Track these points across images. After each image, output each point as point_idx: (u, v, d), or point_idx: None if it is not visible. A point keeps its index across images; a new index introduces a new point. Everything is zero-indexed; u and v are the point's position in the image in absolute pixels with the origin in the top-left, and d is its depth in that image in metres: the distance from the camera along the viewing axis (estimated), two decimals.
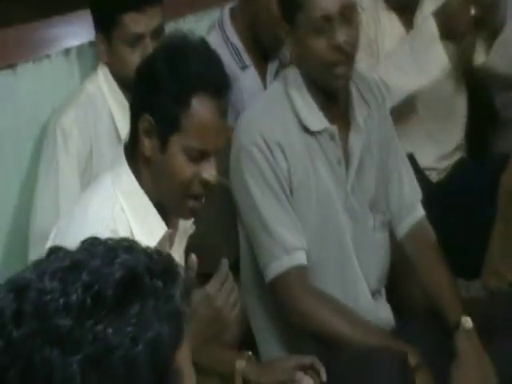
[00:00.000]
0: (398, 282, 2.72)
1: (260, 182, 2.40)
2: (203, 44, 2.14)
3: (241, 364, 2.32)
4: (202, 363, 2.23)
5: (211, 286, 2.00)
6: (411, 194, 2.66)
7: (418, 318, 2.74)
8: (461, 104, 3.30)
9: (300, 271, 2.39)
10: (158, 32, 2.60)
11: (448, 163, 3.28)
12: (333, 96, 2.46)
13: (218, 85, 2.05)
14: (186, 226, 2.19)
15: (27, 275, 0.97)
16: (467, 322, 2.49)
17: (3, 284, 0.98)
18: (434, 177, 3.20)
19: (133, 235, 2.00)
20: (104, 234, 1.90)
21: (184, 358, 1.00)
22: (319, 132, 2.46)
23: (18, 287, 0.95)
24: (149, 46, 2.55)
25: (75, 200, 2.42)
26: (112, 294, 0.93)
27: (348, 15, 2.37)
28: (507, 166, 2.81)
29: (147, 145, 2.02)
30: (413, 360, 2.36)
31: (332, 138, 2.45)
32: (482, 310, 2.62)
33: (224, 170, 2.45)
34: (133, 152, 2.08)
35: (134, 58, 2.55)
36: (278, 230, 2.39)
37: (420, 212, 2.65)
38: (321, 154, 2.47)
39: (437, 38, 2.98)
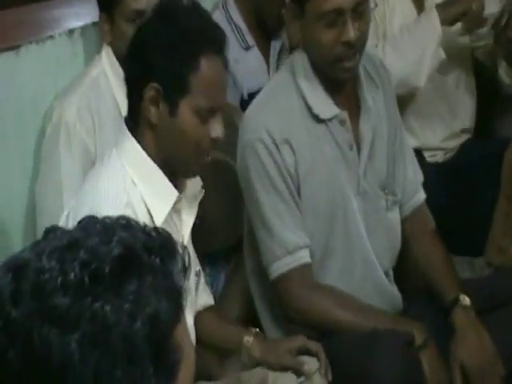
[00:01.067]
0: (400, 264, 2.72)
1: (264, 180, 2.40)
2: (196, 4, 2.14)
3: (248, 340, 2.33)
4: (210, 339, 2.40)
5: None
6: (414, 177, 2.68)
7: (421, 298, 2.73)
8: (469, 88, 3.30)
9: (302, 270, 2.40)
10: None
11: (455, 144, 3.29)
12: (341, 82, 2.46)
13: (221, 41, 2.07)
14: (196, 191, 2.20)
15: (25, 255, 0.97)
16: (465, 299, 2.50)
17: (1, 264, 0.99)
18: (440, 156, 3.20)
19: (146, 205, 2.05)
20: (119, 207, 2.00)
21: (182, 335, 1.01)
22: (329, 119, 2.46)
23: (16, 267, 0.96)
24: None
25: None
26: (109, 272, 0.94)
27: (361, 10, 2.34)
28: (511, 144, 2.86)
29: (154, 112, 2.03)
30: (419, 339, 2.38)
31: (342, 124, 2.45)
32: (486, 288, 2.62)
33: (227, 147, 2.49)
34: (134, 122, 2.09)
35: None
36: (280, 229, 2.40)
37: (422, 195, 2.67)
38: (331, 141, 2.46)
39: (439, 33, 2.97)
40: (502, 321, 2.55)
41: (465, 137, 3.33)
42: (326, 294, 2.45)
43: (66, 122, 2.60)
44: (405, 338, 2.41)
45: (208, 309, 2.42)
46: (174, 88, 2.02)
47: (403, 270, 2.78)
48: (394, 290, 2.63)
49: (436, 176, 2.78)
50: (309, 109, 2.45)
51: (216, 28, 2.13)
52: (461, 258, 2.81)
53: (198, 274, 2.31)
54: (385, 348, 2.34)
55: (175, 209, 2.11)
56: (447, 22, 3.02)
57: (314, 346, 2.35)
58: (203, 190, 2.21)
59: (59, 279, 0.93)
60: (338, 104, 2.46)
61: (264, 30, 3.11)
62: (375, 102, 2.52)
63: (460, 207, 2.91)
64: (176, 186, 2.10)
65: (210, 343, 2.39)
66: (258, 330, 2.41)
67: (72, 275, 0.93)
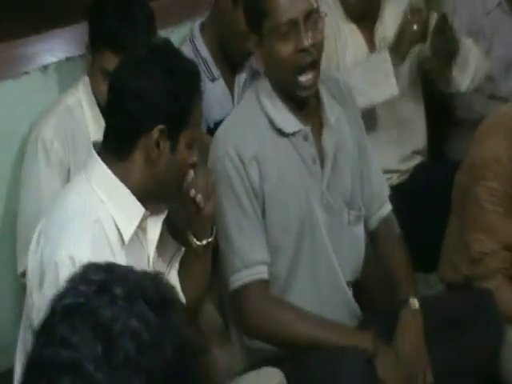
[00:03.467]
0: (360, 279, 2.72)
1: (230, 194, 2.41)
2: (171, 47, 2.22)
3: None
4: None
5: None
6: (380, 190, 2.71)
7: (380, 311, 2.78)
8: (420, 114, 3.36)
9: (260, 285, 2.41)
10: None
11: (409, 165, 3.33)
12: (303, 100, 2.48)
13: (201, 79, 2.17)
14: (160, 211, 2.22)
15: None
16: (415, 302, 2.54)
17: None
18: (395, 179, 3.23)
19: (114, 221, 2.07)
20: (88, 223, 2.03)
21: None
22: (293, 134, 2.47)
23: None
24: None
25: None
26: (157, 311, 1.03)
27: (312, 20, 2.38)
28: (461, 166, 2.83)
29: (156, 151, 2.06)
30: (370, 348, 2.39)
31: (306, 138, 2.47)
32: (438, 306, 2.66)
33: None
34: (119, 160, 2.09)
35: (104, 89, 2.49)
36: (240, 243, 2.40)
37: (388, 207, 2.70)
38: (296, 155, 2.48)
39: (391, 70, 3.03)
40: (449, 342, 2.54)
41: (418, 159, 3.36)
42: (284, 307, 2.45)
43: (42, 139, 2.63)
44: (364, 355, 2.41)
45: None
46: (178, 125, 2.08)
47: (365, 286, 2.80)
48: (352, 301, 2.63)
49: (392, 197, 2.78)
50: (273, 125, 2.46)
51: (196, 65, 2.22)
52: (416, 274, 2.77)
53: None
54: (347, 364, 2.35)
55: (141, 227, 2.12)
56: (400, 61, 3.08)
57: None
58: (166, 210, 2.22)
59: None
60: (301, 121, 2.47)
61: (229, 63, 3.11)
62: (338, 119, 2.53)
63: (414, 226, 2.89)
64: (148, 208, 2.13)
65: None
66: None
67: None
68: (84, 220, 2.04)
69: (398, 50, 3.06)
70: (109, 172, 2.08)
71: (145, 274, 1.10)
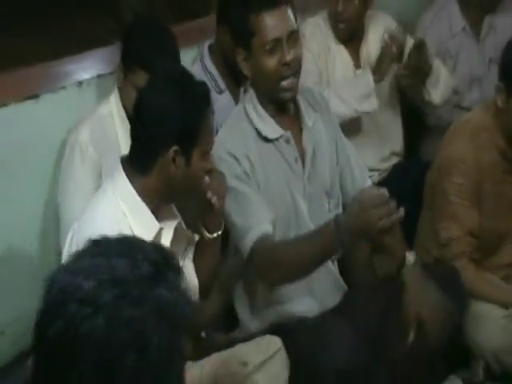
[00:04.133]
0: (345, 259, 2.73)
1: (233, 180, 2.37)
2: (187, 73, 2.20)
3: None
4: None
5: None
6: (361, 179, 2.69)
7: (363, 287, 2.77)
8: (397, 120, 3.39)
9: (266, 236, 2.33)
10: None
11: (388, 165, 3.37)
12: (283, 107, 2.46)
13: (210, 100, 2.12)
14: (172, 225, 2.19)
15: (91, 260, 1.02)
16: (410, 255, 2.48)
17: (64, 270, 1.02)
18: (376, 177, 3.25)
19: (133, 234, 1.98)
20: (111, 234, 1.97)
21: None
22: (276, 139, 2.46)
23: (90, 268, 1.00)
24: None
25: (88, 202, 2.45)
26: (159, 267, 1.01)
27: (293, 38, 2.38)
28: (431, 165, 2.86)
29: (173, 167, 2.04)
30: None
31: (287, 141, 2.47)
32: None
33: None
34: (142, 175, 2.08)
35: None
36: (248, 208, 2.36)
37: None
38: (280, 157, 2.48)
39: (372, 89, 3.07)
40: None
41: (395, 159, 3.41)
42: (280, 247, 2.35)
43: (79, 142, 2.63)
44: (348, 325, 2.42)
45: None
46: (189, 144, 2.06)
47: (350, 263, 2.79)
48: (337, 274, 2.66)
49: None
50: (259, 134, 2.45)
51: (207, 87, 2.16)
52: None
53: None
54: (333, 335, 2.38)
55: (156, 238, 2.08)
56: (381, 79, 3.13)
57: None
58: (178, 217, 2.21)
59: (135, 271, 0.99)
60: (282, 126, 2.46)
61: (234, 77, 3.08)
62: (314, 122, 2.53)
63: None
64: (159, 219, 2.10)
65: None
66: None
67: (143, 270, 0.99)
68: (107, 232, 1.98)
69: (379, 69, 3.09)
70: (130, 187, 2.07)
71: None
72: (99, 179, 2.63)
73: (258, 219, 2.36)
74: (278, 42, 2.36)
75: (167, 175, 2.07)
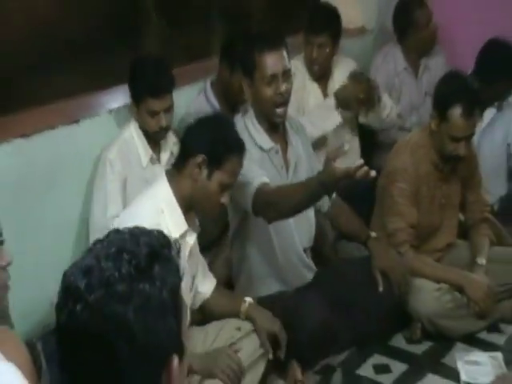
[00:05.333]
0: (316, 246, 2.73)
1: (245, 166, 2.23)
2: (226, 119, 2.23)
3: (244, 306, 2.27)
4: (221, 312, 2.28)
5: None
6: None
7: (331, 266, 2.80)
8: (355, 139, 3.36)
9: (265, 184, 2.28)
10: (169, 108, 2.60)
11: None
12: (275, 126, 2.46)
13: (244, 147, 2.12)
14: (196, 227, 2.17)
15: (88, 261, 0.93)
16: (373, 234, 2.60)
17: (73, 267, 0.94)
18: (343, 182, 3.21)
19: (168, 229, 2.00)
20: (153, 224, 1.84)
21: (181, 294, 0.98)
22: (268, 150, 2.45)
23: (86, 268, 0.92)
24: (162, 118, 2.57)
25: (123, 204, 2.47)
26: (144, 264, 0.92)
27: (286, 75, 2.38)
28: (382, 173, 2.79)
29: (197, 172, 2.04)
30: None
31: (277, 152, 2.47)
32: (364, 263, 2.62)
33: None
34: (178, 174, 2.08)
35: (152, 124, 2.59)
36: (249, 170, 2.27)
37: (333, 194, 2.61)
38: (270, 164, 2.46)
39: (334, 108, 3.00)
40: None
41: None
42: (276, 190, 2.27)
43: (109, 159, 2.60)
44: (323, 297, 2.41)
45: (214, 291, 2.32)
46: (215, 163, 2.05)
47: (319, 251, 2.80)
48: (309, 261, 2.64)
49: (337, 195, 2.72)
50: (256, 143, 2.43)
51: (242, 141, 2.13)
52: (352, 243, 2.82)
53: (193, 277, 2.22)
54: (307, 305, 2.38)
55: (182, 237, 2.08)
56: (342, 106, 3.03)
57: (280, 333, 2.24)
58: (199, 227, 2.19)
59: (116, 274, 0.90)
60: (273, 140, 2.45)
61: (230, 107, 3.03)
62: (296, 143, 2.53)
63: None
64: (187, 219, 2.09)
65: (222, 314, 2.29)
66: (250, 299, 2.31)
67: (123, 270, 0.90)
68: (148, 223, 1.94)
69: (347, 108, 3.03)
70: (169, 189, 2.06)
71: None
72: (124, 188, 2.61)
73: (256, 174, 2.30)
74: (274, 77, 2.35)
75: (192, 177, 2.06)
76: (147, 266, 0.92)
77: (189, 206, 2.10)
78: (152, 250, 0.94)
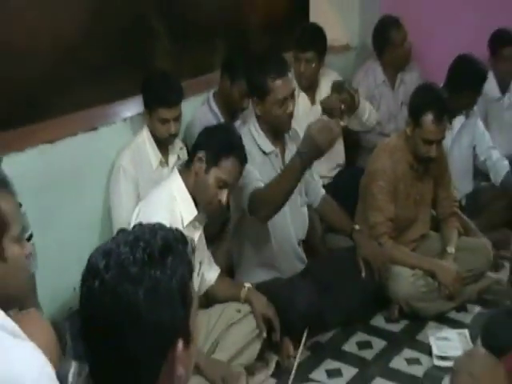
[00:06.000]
0: (307, 238, 2.73)
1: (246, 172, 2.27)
2: (227, 125, 2.26)
3: (244, 292, 2.28)
4: (224, 296, 2.29)
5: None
6: (318, 182, 2.68)
7: (320, 256, 2.81)
8: (340, 142, 3.30)
9: (256, 188, 2.27)
10: (178, 117, 2.58)
11: (334, 173, 3.31)
12: (277, 134, 2.46)
13: (243, 154, 2.11)
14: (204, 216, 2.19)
15: (109, 245, 0.94)
16: (357, 226, 2.58)
17: (96, 250, 0.95)
18: (326, 181, 3.13)
19: (180, 212, 2.07)
20: (166, 211, 2.04)
21: (192, 286, 0.97)
22: (269, 153, 2.44)
23: (105, 251, 0.92)
24: (172, 125, 2.55)
25: (137, 202, 2.42)
26: (158, 253, 0.91)
27: (293, 95, 2.39)
28: (364, 173, 2.83)
29: (198, 166, 2.08)
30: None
31: (276, 155, 2.47)
32: (346, 254, 2.62)
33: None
34: (187, 169, 2.11)
35: (162, 131, 2.57)
36: (250, 175, 2.28)
37: (323, 192, 2.68)
38: (270, 165, 2.45)
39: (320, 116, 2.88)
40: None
41: (339, 169, 3.34)
42: (265, 189, 2.26)
43: (123, 166, 2.58)
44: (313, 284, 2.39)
45: (218, 278, 2.32)
46: (212, 159, 2.08)
47: (309, 243, 2.79)
48: (302, 252, 2.64)
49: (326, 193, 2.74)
50: (259, 147, 2.41)
51: (241, 142, 2.14)
52: (338, 235, 2.80)
53: (200, 263, 2.21)
54: (298, 290, 2.38)
55: (192, 222, 2.10)
56: (327, 114, 2.93)
57: (274, 317, 2.25)
58: (206, 217, 2.19)
59: (131, 257, 0.90)
60: (274, 145, 2.44)
61: (230, 115, 2.99)
62: (292, 147, 2.48)
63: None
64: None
65: (224, 299, 2.30)
66: (249, 284, 2.32)
67: (138, 255, 0.90)
68: (164, 209, 2.03)
69: (331, 115, 2.95)
70: (181, 181, 2.10)
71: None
72: (137, 188, 2.59)
73: (254, 180, 2.30)
74: (285, 99, 2.36)
75: (194, 171, 2.08)
76: (160, 255, 0.91)
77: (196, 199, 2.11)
78: (167, 243, 0.93)
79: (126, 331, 0.89)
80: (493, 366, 1.24)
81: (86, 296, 0.92)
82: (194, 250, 0.97)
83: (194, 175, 2.10)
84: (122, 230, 0.97)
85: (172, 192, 2.09)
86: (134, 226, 0.97)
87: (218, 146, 2.08)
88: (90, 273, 0.92)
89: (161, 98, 2.55)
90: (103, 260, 0.91)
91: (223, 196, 2.09)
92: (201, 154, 2.08)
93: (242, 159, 2.13)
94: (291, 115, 2.41)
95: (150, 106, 2.61)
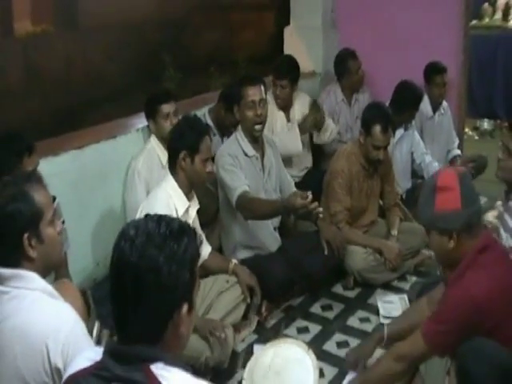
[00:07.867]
0: (283, 225, 2.70)
1: (230, 165, 2.29)
2: (196, 117, 2.12)
3: (231, 266, 2.24)
4: (215, 269, 2.23)
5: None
6: (290, 181, 2.63)
7: (291, 238, 2.70)
8: (307, 148, 3.27)
9: (246, 192, 2.27)
10: (176, 112, 2.54)
11: (303, 173, 3.24)
12: (255, 139, 2.41)
13: (206, 128, 2.05)
14: (196, 204, 2.12)
15: (139, 220, 0.94)
16: (321, 215, 2.29)
17: (127, 225, 0.94)
18: (296, 180, 3.01)
19: (175, 205, 2.01)
20: (164, 205, 1.99)
21: (197, 267, 0.96)
22: (251, 156, 2.41)
23: (136, 224, 0.92)
24: (173, 119, 2.50)
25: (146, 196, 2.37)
26: (176, 231, 0.92)
27: (262, 102, 2.34)
28: (327, 172, 2.79)
29: (183, 163, 2.00)
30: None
31: (257, 159, 2.43)
32: (313, 236, 2.56)
33: (211, 181, 2.41)
34: (173, 168, 2.04)
35: (166, 125, 2.50)
36: (235, 177, 2.29)
37: (294, 189, 2.55)
38: (253, 167, 2.42)
39: (297, 138, 2.93)
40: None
41: (307, 170, 3.28)
42: (254, 200, 2.28)
43: (138, 170, 2.52)
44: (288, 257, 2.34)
45: (210, 254, 2.29)
46: (193, 151, 2.00)
47: (284, 228, 2.74)
48: (277, 235, 2.59)
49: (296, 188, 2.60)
50: (243, 151, 2.38)
51: (204, 124, 2.11)
52: (306, 222, 2.65)
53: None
54: (276, 266, 2.36)
55: (186, 211, 2.04)
56: (301, 132, 2.98)
57: (256, 286, 2.21)
58: (198, 204, 2.13)
59: (156, 230, 0.91)
60: (255, 150, 2.41)
61: (220, 129, 2.93)
62: (270, 153, 2.49)
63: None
64: (189, 199, 2.06)
65: (215, 271, 2.26)
66: (235, 260, 2.29)
67: (162, 230, 0.91)
68: (162, 205, 1.97)
69: (304, 130, 3.02)
70: (173, 181, 2.04)
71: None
72: (147, 187, 2.52)
73: (240, 182, 2.28)
74: (254, 103, 2.32)
75: (182, 169, 2.01)
76: (178, 233, 0.92)
77: (188, 189, 2.06)
78: (184, 228, 0.95)
79: (147, 286, 0.88)
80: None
81: (118, 256, 0.91)
82: (201, 243, 0.97)
83: (184, 172, 2.03)
84: (148, 214, 0.97)
85: (168, 191, 2.04)
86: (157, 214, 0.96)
87: (191, 141, 2.00)
88: (122, 238, 0.92)
89: (159, 97, 2.53)
90: (134, 229, 0.92)
91: (209, 166, 2.05)
92: (182, 155, 2.00)
93: (208, 132, 2.06)
94: (260, 120, 2.34)
95: (153, 109, 2.54)
